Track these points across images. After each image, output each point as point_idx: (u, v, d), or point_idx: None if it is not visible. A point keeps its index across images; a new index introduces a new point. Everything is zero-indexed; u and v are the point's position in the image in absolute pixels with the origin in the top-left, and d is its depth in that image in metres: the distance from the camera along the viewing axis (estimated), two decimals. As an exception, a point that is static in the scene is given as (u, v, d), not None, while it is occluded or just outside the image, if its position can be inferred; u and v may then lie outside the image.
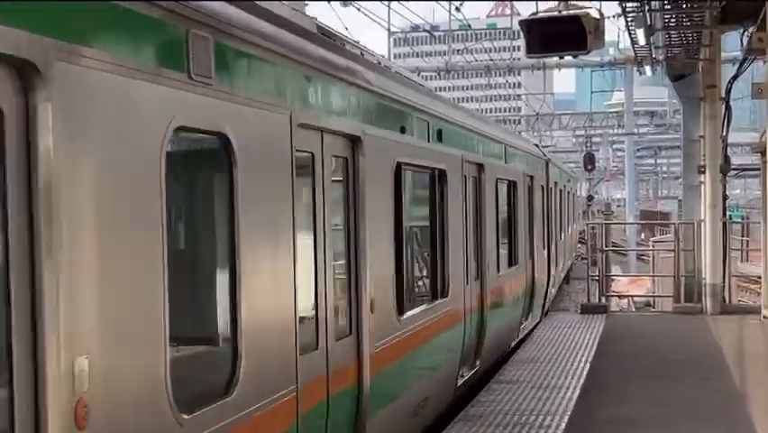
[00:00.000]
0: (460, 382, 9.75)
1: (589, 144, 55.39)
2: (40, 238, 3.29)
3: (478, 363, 10.51)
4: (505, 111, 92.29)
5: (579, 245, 41.13)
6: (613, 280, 28.74)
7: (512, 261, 13.07)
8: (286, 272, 5.13)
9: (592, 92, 53.38)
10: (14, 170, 3.26)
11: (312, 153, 5.71)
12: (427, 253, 8.68)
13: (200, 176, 4.77)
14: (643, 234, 58.29)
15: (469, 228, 9.88)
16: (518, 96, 72.18)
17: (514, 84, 70.73)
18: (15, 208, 3.26)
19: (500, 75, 42.37)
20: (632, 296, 27.71)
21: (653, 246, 27.06)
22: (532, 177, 15.44)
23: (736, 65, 17.98)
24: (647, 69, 22.93)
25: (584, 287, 24.63)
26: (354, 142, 6.37)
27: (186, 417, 4.12)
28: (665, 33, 17.25)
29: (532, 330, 15.23)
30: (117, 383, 3.65)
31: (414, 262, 8.22)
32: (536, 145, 18.83)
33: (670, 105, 53.55)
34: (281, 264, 5.09)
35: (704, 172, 17.28)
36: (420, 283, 8.53)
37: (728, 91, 17.34)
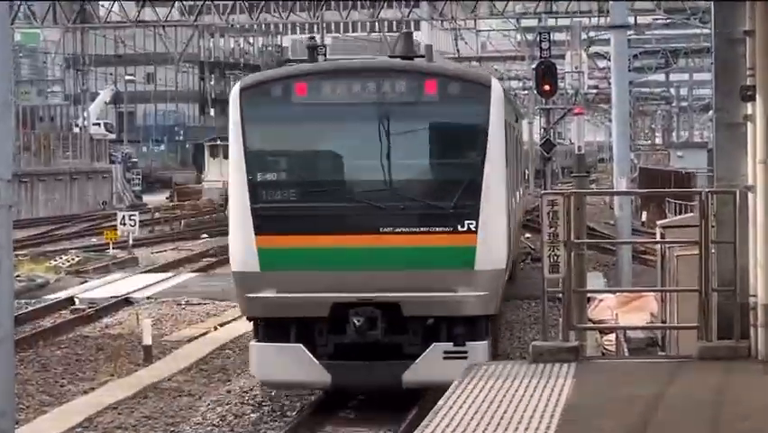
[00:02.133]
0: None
1: (546, 46, 56.35)
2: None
3: None
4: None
5: (528, 236, 41.75)
6: (590, 299, 29.18)
7: None
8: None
9: (551, -51, 54.26)
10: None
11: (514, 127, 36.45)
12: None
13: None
14: (644, 214, 59.69)
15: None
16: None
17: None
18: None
19: None
20: (624, 328, 28.20)
21: (663, 236, 27.70)
22: None
23: None
24: None
25: (537, 313, 24.81)
26: (510, 123, 32.02)
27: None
28: None
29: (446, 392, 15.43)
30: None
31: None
32: None
33: (693, -27, 54.86)
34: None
35: (753, 99, 17.60)
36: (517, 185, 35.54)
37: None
